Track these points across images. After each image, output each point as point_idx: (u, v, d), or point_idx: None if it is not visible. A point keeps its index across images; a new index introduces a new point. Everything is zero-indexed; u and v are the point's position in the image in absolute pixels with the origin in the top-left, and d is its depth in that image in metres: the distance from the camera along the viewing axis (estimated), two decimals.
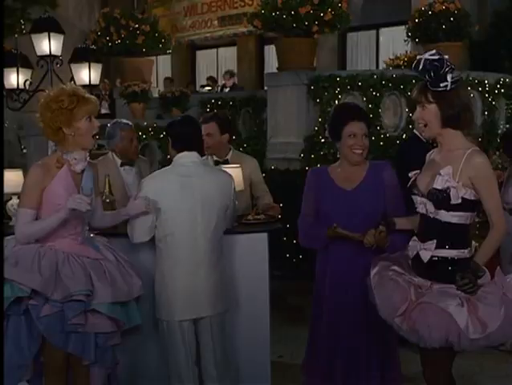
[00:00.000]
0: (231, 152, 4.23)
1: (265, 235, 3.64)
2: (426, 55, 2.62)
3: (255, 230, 3.67)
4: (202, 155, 3.33)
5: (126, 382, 3.47)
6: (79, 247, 2.92)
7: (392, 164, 3.23)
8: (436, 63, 2.58)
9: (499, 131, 7.27)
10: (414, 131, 4.58)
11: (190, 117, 3.53)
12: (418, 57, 2.65)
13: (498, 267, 2.72)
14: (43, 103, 2.86)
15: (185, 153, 3.19)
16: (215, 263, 3.20)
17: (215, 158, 4.19)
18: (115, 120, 4.50)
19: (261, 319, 3.62)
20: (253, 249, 3.60)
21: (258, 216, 3.83)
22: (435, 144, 2.87)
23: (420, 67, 2.60)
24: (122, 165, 4.30)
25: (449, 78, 2.58)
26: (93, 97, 2.94)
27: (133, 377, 3.51)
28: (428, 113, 2.64)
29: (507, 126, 7.44)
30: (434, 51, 2.64)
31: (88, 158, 2.97)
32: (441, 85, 2.58)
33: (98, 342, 2.87)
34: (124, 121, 4.46)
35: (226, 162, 4.13)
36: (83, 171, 2.94)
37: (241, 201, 3.80)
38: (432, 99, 2.61)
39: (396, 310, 2.63)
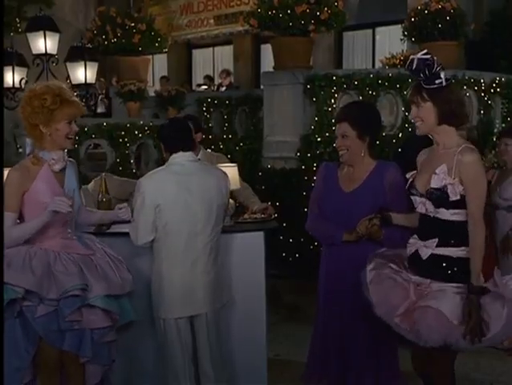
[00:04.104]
0: (201, 152, 4.23)
1: (261, 234, 3.64)
2: (418, 55, 2.65)
3: (251, 229, 3.67)
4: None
5: (123, 381, 3.47)
6: (68, 244, 2.91)
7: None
8: (428, 62, 2.62)
9: (495, 130, 7.29)
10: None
11: (179, 119, 3.53)
12: (411, 57, 2.68)
13: (496, 267, 2.72)
14: (26, 97, 2.83)
15: (180, 153, 3.20)
16: (213, 260, 3.21)
17: None
18: None
19: (257, 318, 3.62)
20: (250, 247, 3.61)
21: (255, 215, 3.84)
22: None
23: (414, 67, 2.64)
24: None
25: (442, 75, 2.63)
26: (78, 101, 2.91)
27: (130, 376, 3.51)
28: (424, 111, 2.66)
29: (503, 125, 7.45)
30: (425, 51, 2.68)
31: (67, 157, 2.95)
32: (436, 82, 2.61)
33: (94, 337, 2.86)
34: None
35: None
36: (64, 169, 2.92)
37: None
38: (427, 98, 2.64)
39: (395, 309, 2.63)
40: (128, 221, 3.16)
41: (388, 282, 2.71)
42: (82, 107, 2.95)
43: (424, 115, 2.66)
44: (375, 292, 2.72)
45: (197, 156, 4.12)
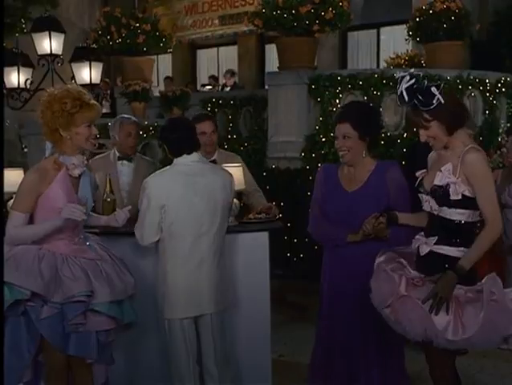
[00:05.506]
0: (217, 152, 4.19)
1: (265, 234, 3.65)
2: (403, 86, 2.59)
3: (256, 229, 3.67)
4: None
5: (128, 382, 3.48)
6: (76, 248, 2.91)
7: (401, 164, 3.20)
8: (415, 86, 2.56)
9: (500, 130, 7.27)
10: None
11: (178, 119, 3.50)
12: (398, 91, 2.61)
13: (493, 273, 2.67)
14: (46, 102, 2.83)
15: (185, 155, 3.19)
16: (218, 261, 3.21)
17: None
18: (119, 116, 4.53)
19: (261, 318, 3.62)
20: (254, 247, 3.61)
21: (259, 216, 3.84)
22: None
23: (407, 98, 2.58)
24: (119, 159, 4.29)
25: (434, 91, 2.56)
26: (97, 104, 2.91)
27: (134, 376, 3.52)
28: (433, 130, 2.64)
29: (508, 125, 7.43)
30: (406, 76, 2.59)
31: (85, 161, 2.96)
32: (434, 102, 2.56)
33: (100, 339, 2.87)
34: (126, 116, 4.48)
35: (214, 162, 4.07)
36: (80, 174, 2.93)
37: None
38: (430, 118, 2.61)
39: (385, 301, 2.67)
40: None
41: (382, 275, 2.74)
42: (100, 110, 2.95)
43: (434, 134, 2.64)
44: (373, 283, 2.77)
45: (213, 156, 4.11)
